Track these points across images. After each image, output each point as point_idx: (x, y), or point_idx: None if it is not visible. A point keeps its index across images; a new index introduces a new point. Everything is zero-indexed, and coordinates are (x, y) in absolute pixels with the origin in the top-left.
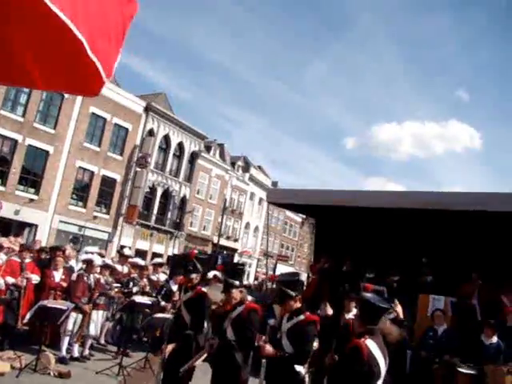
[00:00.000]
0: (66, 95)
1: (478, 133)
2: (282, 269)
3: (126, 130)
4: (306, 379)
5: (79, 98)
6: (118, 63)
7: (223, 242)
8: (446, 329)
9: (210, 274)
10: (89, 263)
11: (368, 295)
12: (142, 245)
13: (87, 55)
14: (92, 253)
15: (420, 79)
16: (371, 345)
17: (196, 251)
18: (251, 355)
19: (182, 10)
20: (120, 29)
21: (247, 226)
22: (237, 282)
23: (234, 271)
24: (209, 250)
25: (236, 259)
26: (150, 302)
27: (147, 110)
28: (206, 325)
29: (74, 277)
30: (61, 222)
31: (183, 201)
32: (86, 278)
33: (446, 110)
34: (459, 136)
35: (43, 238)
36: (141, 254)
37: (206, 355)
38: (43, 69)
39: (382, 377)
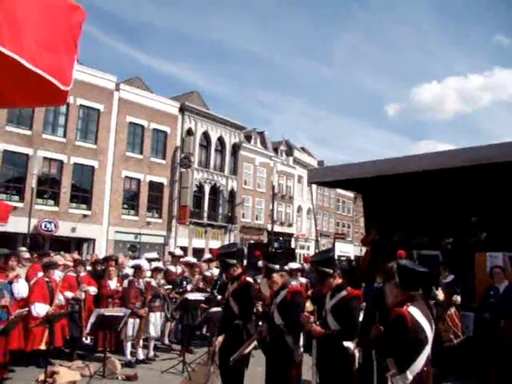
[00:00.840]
0: (102, 109)
1: None
2: (341, 247)
3: (165, 133)
4: (356, 355)
5: (115, 110)
6: (75, 70)
7: (278, 228)
8: (508, 285)
9: (293, 266)
10: (137, 269)
11: (403, 261)
12: (198, 243)
13: (31, 70)
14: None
15: (454, 30)
16: (414, 312)
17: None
18: (301, 336)
19: (198, 5)
20: (70, 38)
21: (299, 209)
22: (276, 267)
23: (274, 255)
24: (264, 238)
25: (293, 244)
26: (203, 298)
27: (182, 110)
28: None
29: (125, 284)
30: (116, 232)
31: (232, 194)
32: (136, 283)
33: (487, 58)
34: (505, 83)
35: (101, 251)
36: (198, 252)
37: (255, 342)
38: (5, 88)
39: (430, 342)
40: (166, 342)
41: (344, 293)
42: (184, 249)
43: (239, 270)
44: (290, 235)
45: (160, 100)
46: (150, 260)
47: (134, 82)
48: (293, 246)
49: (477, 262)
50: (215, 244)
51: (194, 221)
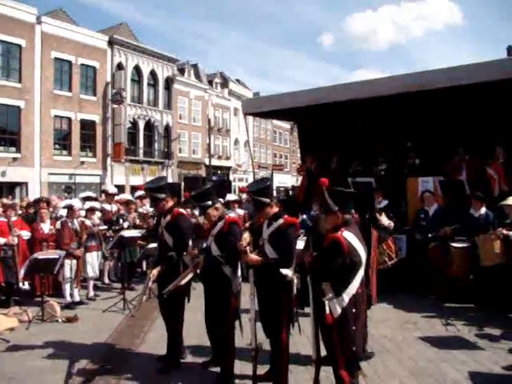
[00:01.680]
0: (23, 44)
1: (458, 5)
2: (279, 178)
3: (94, 68)
4: (295, 281)
5: (38, 45)
6: None
7: (215, 162)
8: (437, 208)
9: (230, 197)
10: (69, 209)
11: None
12: (136, 180)
13: None
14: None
15: None
16: (349, 236)
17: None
18: (239, 266)
19: None
20: None
21: (236, 142)
22: (209, 203)
23: (202, 195)
24: (202, 172)
25: (231, 177)
26: (139, 235)
27: (111, 43)
28: (190, 244)
29: (58, 225)
30: (50, 174)
31: (167, 129)
32: (70, 224)
33: None
34: (438, 13)
35: (35, 194)
36: (136, 189)
37: (192, 274)
38: None
39: (364, 264)
40: (106, 281)
41: (281, 221)
42: (121, 187)
43: (170, 203)
44: (228, 168)
45: (87, 33)
46: (84, 199)
47: (56, 14)
48: (231, 178)
49: (409, 187)
50: None
51: (130, 158)
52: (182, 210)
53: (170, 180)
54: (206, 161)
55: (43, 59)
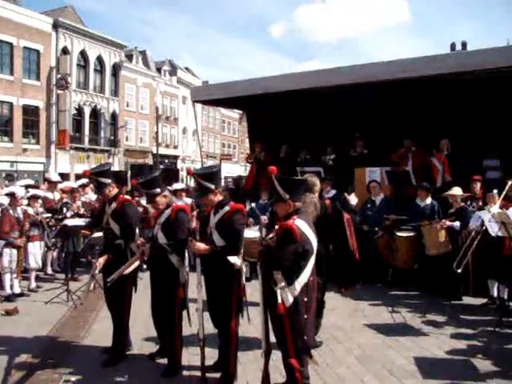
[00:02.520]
0: None
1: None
2: (227, 167)
3: (38, 52)
4: (244, 269)
5: None
6: None
7: (163, 150)
8: (383, 198)
9: (177, 186)
10: (12, 196)
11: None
12: (80, 168)
13: None
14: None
15: None
16: (301, 224)
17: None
18: (186, 256)
19: None
20: None
21: (184, 130)
22: (157, 190)
23: (150, 182)
24: (150, 161)
25: (179, 166)
26: (83, 224)
27: (56, 26)
28: (137, 232)
29: None
30: None
31: (114, 116)
32: (12, 212)
33: None
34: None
35: None
36: (80, 177)
37: (137, 263)
38: None
39: (315, 252)
40: (49, 271)
41: (227, 208)
42: (66, 175)
43: (115, 190)
44: (176, 157)
45: (30, 15)
46: (26, 187)
47: None
48: (179, 167)
49: (357, 177)
50: None
51: (75, 145)
52: (127, 197)
53: (116, 168)
54: (154, 149)
55: None
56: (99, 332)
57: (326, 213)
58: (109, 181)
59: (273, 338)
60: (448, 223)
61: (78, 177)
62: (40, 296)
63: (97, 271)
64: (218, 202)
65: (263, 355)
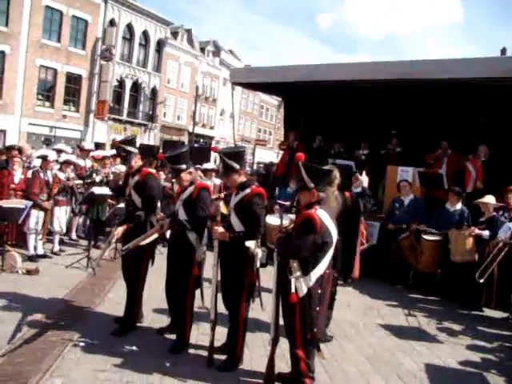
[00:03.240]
0: None
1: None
2: (261, 153)
3: (86, 21)
4: (259, 254)
5: None
6: None
7: (199, 130)
8: (412, 199)
9: (207, 166)
10: (44, 159)
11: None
12: (117, 139)
13: None
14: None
15: None
16: (322, 215)
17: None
18: (205, 234)
19: None
20: None
21: (222, 112)
22: (183, 166)
23: (176, 158)
24: (185, 139)
25: (213, 146)
26: (110, 192)
27: None
28: (158, 205)
29: (29, 174)
30: (30, 124)
31: (154, 91)
32: (42, 175)
33: None
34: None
35: (13, 143)
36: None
37: (156, 235)
38: None
39: (334, 244)
40: (74, 236)
41: (247, 190)
42: (102, 145)
43: (140, 162)
44: (211, 138)
45: None
46: (58, 151)
47: None
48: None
49: (388, 175)
50: None
51: (113, 117)
52: (150, 170)
53: (151, 143)
54: (190, 128)
55: (33, 5)
56: (114, 300)
57: (346, 206)
58: (136, 150)
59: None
60: (477, 231)
61: (113, 147)
62: (62, 260)
63: (113, 240)
64: (241, 183)
65: (271, 342)
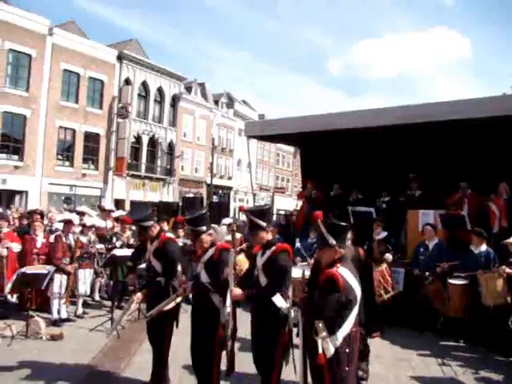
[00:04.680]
0: (34, 54)
1: (467, 38)
2: (280, 201)
3: (102, 82)
4: (292, 314)
5: (47, 56)
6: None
7: (217, 181)
8: (438, 242)
9: (226, 221)
10: (66, 223)
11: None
12: (136, 195)
13: None
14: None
15: None
16: (345, 272)
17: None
18: (228, 296)
19: None
20: None
21: (239, 162)
22: (204, 228)
23: (196, 220)
24: (203, 191)
25: (231, 197)
26: (130, 254)
27: (120, 58)
28: (179, 269)
29: (51, 239)
30: (50, 184)
31: (171, 146)
32: (64, 239)
33: (431, 17)
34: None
35: (35, 203)
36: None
37: (179, 299)
38: None
39: (359, 300)
40: (97, 298)
41: (273, 248)
42: (121, 201)
43: (157, 229)
44: (230, 188)
45: (96, 47)
46: (80, 214)
47: (68, 26)
48: (232, 199)
49: (409, 219)
50: (154, 196)
51: (132, 173)
52: (169, 235)
53: (170, 196)
54: (208, 180)
55: (52, 70)
56: (140, 365)
57: (359, 261)
58: (151, 223)
59: None
60: (508, 270)
61: (132, 203)
62: (85, 322)
63: (133, 306)
64: (267, 241)
65: None
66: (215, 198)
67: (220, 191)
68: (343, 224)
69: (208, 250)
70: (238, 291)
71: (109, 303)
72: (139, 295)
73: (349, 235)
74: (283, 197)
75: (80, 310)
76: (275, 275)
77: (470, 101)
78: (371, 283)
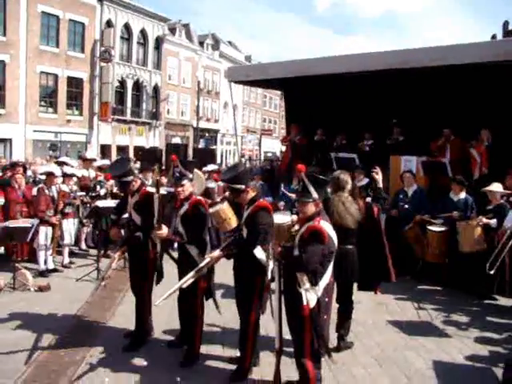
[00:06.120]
0: None
1: None
2: (267, 142)
3: (83, 24)
4: (271, 267)
5: None
6: None
7: (203, 124)
8: (416, 189)
9: (210, 167)
10: (48, 175)
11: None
12: (122, 140)
13: None
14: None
15: None
16: (326, 225)
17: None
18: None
19: None
20: None
21: (226, 105)
22: (190, 175)
23: (188, 164)
24: (190, 134)
25: (218, 140)
26: (114, 205)
27: None
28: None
29: (34, 191)
30: (34, 131)
31: (156, 89)
32: (47, 191)
33: None
34: None
35: (20, 151)
36: (122, 149)
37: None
38: None
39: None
40: (83, 246)
41: (254, 205)
42: (107, 146)
43: (138, 183)
44: (216, 131)
45: None
46: (61, 164)
47: None
48: (219, 142)
49: (392, 165)
50: (140, 140)
51: (117, 118)
52: (149, 189)
53: (157, 140)
54: (194, 123)
55: (29, 12)
56: (125, 313)
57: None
58: (130, 178)
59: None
60: (485, 220)
61: (119, 148)
62: (72, 272)
63: (114, 263)
64: (250, 199)
65: (275, 353)
66: (202, 142)
67: (207, 134)
68: (325, 178)
69: (184, 202)
70: (165, 230)
71: (95, 252)
72: (119, 253)
73: (348, 186)
74: (270, 139)
75: (66, 260)
76: (254, 230)
77: (452, 47)
78: (380, 234)
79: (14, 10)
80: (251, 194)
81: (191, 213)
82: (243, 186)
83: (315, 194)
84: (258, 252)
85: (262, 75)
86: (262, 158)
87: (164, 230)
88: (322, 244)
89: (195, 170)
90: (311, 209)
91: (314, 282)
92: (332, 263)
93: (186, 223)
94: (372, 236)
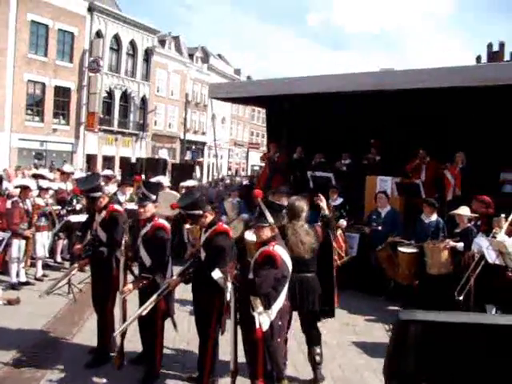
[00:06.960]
0: None
1: None
2: (254, 156)
3: (72, 34)
4: (229, 288)
5: (13, 6)
6: None
7: (191, 136)
8: (390, 210)
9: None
10: (23, 189)
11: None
12: (108, 150)
13: None
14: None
15: None
16: (280, 250)
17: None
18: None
19: None
20: None
21: (213, 117)
22: (153, 197)
23: (151, 185)
24: (177, 146)
25: (205, 153)
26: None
27: (91, 10)
28: (123, 241)
29: (8, 204)
30: (20, 139)
31: (144, 101)
32: (21, 204)
33: None
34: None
35: (4, 160)
36: (108, 159)
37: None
38: None
39: (289, 277)
40: (59, 259)
41: (212, 229)
42: (93, 157)
43: (106, 200)
44: (204, 144)
45: None
46: (36, 176)
47: None
48: (206, 154)
49: (367, 185)
50: (126, 151)
51: (104, 128)
52: (117, 207)
53: (143, 152)
54: (182, 135)
55: (18, 21)
56: (92, 329)
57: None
58: (99, 194)
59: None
60: (451, 243)
61: (105, 159)
62: (44, 285)
63: (72, 273)
64: (208, 223)
65: (230, 374)
66: (188, 154)
67: (194, 146)
68: (281, 204)
69: (146, 223)
70: (173, 279)
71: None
72: (75, 265)
73: (304, 213)
74: (258, 152)
75: (40, 273)
76: (211, 254)
77: (432, 70)
78: (332, 262)
79: (3, 17)
80: (210, 218)
81: (152, 236)
82: (201, 212)
83: (271, 219)
84: (216, 274)
85: (242, 93)
86: (249, 171)
87: (129, 286)
88: (274, 268)
89: (167, 190)
90: (267, 233)
91: (268, 306)
92: (286, 287)
93: (146, 245)
94: (323, 263)
